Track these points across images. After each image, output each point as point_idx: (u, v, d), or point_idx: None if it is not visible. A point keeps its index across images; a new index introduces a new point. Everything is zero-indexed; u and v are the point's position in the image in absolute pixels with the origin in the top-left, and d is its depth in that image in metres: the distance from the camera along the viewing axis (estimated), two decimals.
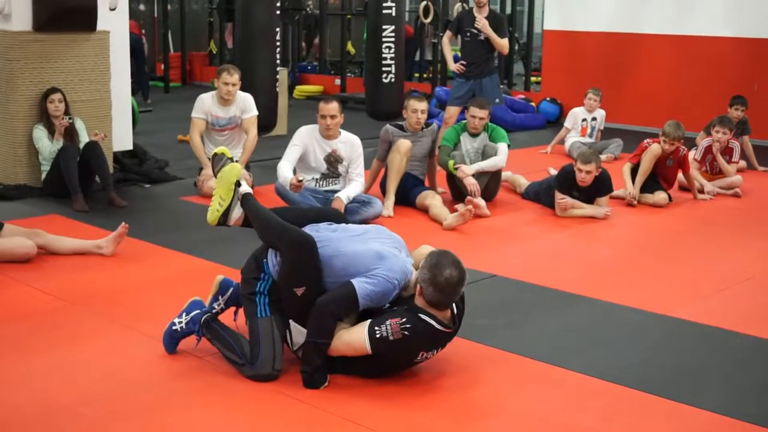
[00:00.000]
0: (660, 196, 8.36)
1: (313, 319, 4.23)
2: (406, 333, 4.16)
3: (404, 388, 4.26)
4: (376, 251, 4.36)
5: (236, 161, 4.72)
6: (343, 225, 4.67)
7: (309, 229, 4.52)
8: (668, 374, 4.58)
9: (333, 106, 7.37)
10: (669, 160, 8.43)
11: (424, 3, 14.35)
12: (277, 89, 10.43)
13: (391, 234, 4.64)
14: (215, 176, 4.65)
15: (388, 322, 4.18)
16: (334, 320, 4.23)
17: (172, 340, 4.60)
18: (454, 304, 4.32)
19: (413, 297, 4.32)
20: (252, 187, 8.18)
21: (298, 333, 4.33)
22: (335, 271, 4.33)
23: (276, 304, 4.37)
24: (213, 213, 4.60)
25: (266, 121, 9.67)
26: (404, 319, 4.19)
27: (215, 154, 4.72)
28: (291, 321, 4.36)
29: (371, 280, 4.25)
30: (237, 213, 4.59)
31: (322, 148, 7.42)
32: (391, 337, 4.17)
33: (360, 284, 4.24)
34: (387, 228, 4.72)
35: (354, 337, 4.22)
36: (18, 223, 6.50)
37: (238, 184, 4.58)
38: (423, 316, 4.21)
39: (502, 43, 10.08)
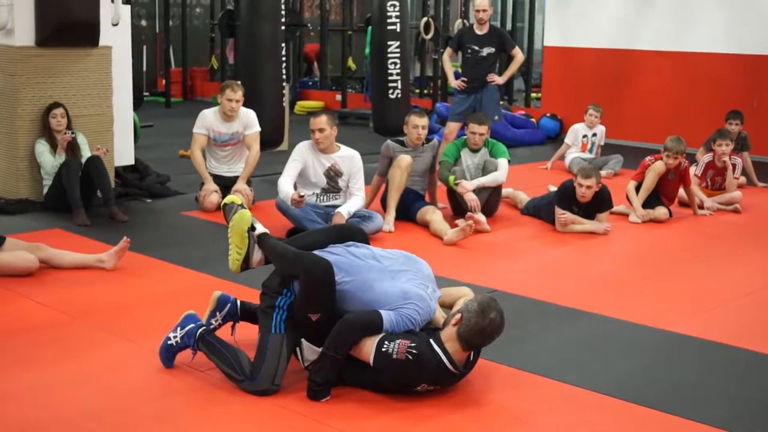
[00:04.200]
0: (660, 211, 8.38)
1: (336, 334, 4.25)
2: (410, 357, 4.18)
3: (405, 403, 4.26)
4: (404, 291, 4.39)
5: (246, 207, 4.71)
6: (373, 251, 4.67)
7: (339, 253, 4.56)
8: (668, 388, 4.59)
9: (320, 120, 7.36)
10: (671, 174, 8.44)
11: (425, 19, 14.41)
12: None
13: (421, 266, 4.64)
14: (227, 224, 4.68)
15: (397, 341, 4.21)
16: (355, 340, 4.27)
17: (169, 355, 4.61)
18: (473, 354, 4.36)
19: (438, 328, 4.36)
20: (253, 203, 8.29)
21: (310, 351, 4.37)
22: (361, 304, 4.39)
23: (292, 321, 4.39)
24: (234, 262, 4.66)
25: (273, 137, 9.70)
26: (414, 344, 4.21)
27: (224, 204, 4.74)
28: (303, 340, 4.40)
29: (396, 315, 4.31)
30: (257, 255, 4.63)
31: (321, 163, 7.44)
32: (394, 356, 4.19)
33: (387, 315, 4.30)
34: (416, 256, 4.72)
35: (365, 344, 4.26)
36: (20, 237, 6.52)
37: (252, 228, 4.61)
38: (436, 348, 4.23)
39: (518, 60, 10.34)
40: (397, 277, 4.45)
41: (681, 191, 8.77)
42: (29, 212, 7.99)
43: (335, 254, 4.55)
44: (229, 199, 4.77)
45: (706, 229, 8.34)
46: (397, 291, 4.38)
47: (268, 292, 4.50)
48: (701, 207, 8.87)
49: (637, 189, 8.49)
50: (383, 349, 4.21)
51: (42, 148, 8.01)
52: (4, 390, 4.33)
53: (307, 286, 4.33)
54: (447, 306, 4.76)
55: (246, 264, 4.65)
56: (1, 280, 6.00)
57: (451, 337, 4.25)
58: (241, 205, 4.70)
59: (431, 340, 4.26)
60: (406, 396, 4.30)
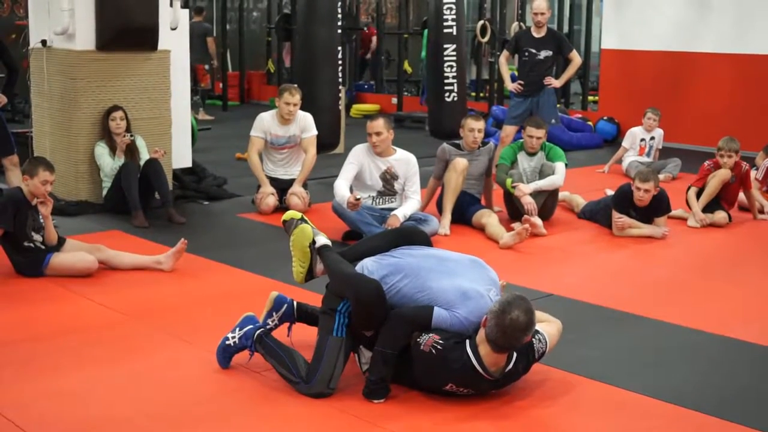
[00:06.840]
0: (719, 216, 8.26)
1: (386, 329, 4.27)
2: (433, 351, 4.17)
3: (460, 406, 4.25)
4: (463, 291, 4.33)
5: (307, 222, 4.75)
6: (437, 253, 4.67)
7: (399, 256, 4.56)
8: (726, 395, 4.53)
9: (377, 123, 7.37)
10: (732, 177, 8.32)
11: (481, 22, 14.37)
12: None
13: (487, 271, 4.58)
14: (289, 238, 4.73)
15: (430, 334, 4.22)
16: (406, 336, 4.27)
17: (225, 355, 4.64)
18: (513, 362, 4.26)
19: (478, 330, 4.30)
20: (309, 205, 8.32)
21: (369, 354, 4.38)
22: (418, 302, 4.37)
23: (351, 328, 4.39)
24: (297, 275, 4.74)
25: (329, 140, 9.72)
26: (443, 341, 4.20)
27: (284, 220, 4.79)
28: (361, 347, 4.42)
29: (449, 315, 4.28)
30: (320, 266, 4.68)
31: (377, 166, 7.45)
32: (421, 347, 4.20)
33: (439, 312, 4.28)
34: (484, 262, 4.67)
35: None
36: (79, 239, 6.62)
37: (312, 242, 4.66)
38: (468, 350, 4.18)
39: (575, 63, 10.30)
40: (457, 277, 4.41)
41: (741, 195, 8.65)
42: (89, 214, 8.09)
43: (395, 257, 4.56)
44: (288, 215, 4.80)
45: (766, 234, 8.22)
46: (455, 289, 4.33)
47: (331, 295, 4.51)
48: (761, 211, 8.74)
49: (698, 195, 8.38)
50: (418, 339, 4.22)
51: (101, 150, 8.11)
52: (61, 388, 4.39)
53: (357, 310, 4.33)
54: None
55: (310, 275, 4.72)
56: (60, 280, 6.10)
57: (482, 339, 4.18)
58: (302, 219, 4.74)
59: (467, 341, 4.21)
60: (462, 397, 4.28)
